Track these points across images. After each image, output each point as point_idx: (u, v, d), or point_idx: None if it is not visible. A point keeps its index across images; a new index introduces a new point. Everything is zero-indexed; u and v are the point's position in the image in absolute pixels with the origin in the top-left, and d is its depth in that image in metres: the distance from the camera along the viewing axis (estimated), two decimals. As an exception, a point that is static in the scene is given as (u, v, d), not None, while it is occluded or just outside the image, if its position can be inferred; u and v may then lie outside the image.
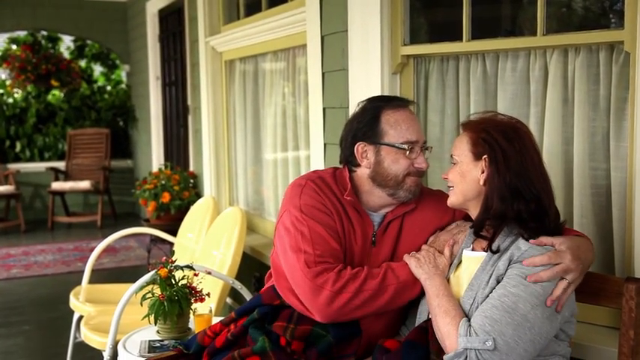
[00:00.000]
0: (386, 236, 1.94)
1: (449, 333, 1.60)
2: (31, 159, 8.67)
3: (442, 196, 1.95)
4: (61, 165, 8.32)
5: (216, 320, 2.49)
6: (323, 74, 2.98)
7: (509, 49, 2.24)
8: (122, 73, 9.60)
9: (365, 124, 1.93)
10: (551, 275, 1.57)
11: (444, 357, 1.58)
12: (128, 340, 2.55)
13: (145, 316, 2.44)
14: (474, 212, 1.76)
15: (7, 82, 8.75)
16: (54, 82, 8.57)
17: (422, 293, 1.81)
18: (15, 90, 8.78)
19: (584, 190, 2.08)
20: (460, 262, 1.80)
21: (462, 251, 1.81)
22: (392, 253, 1.93)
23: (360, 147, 1.93)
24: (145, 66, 7.08)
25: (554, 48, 2.12)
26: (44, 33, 8.93)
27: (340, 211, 1.91)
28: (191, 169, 5.31)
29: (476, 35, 2.32)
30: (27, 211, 8.10)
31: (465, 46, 2.34)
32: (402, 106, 1.95)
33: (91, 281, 3.85)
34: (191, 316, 2.54)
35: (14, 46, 8.89)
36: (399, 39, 2.54)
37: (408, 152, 1.89)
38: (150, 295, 2.45)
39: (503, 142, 1.68)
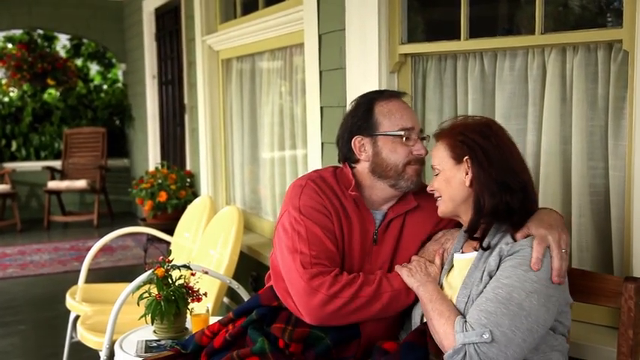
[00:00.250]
0: (387, 234, 1.93)
1: (445, 333, 1.60)
2: (27, 158, 8.65)
3: None
4: (57, 164, 8.30)
5: (213, 320, 2.49)
6: (320, 73, 2.98)
7: (507, 48, 2.23)
8: (118, 72, 9.59)
9: (359, 118, 1.94)
10: (558, 259, 1.60)
11: (444, 356, 1.58)
12: (125, 340, 2.54)
13: (141, 316, 2.43)
14: (464, 217, 1.77)
15: (3, 81, 8.73)
16: (50, 81, 8.54)
17: (415, 301, 1.82)
18: (11, 89, 8.76)
19: (582, 190, 2.08)
20: (452, 266, 1.81)
21: (453, 256, 1.82)
22: (393, 251, 1.92)
23: (357, 141, 1.93)
24: (141, 65, 7.07)
25: (553, 47, 2.11)
26: (40, 32, 8.90)
27: (340, 212, 1.91)
28: (188, 168, 5.30)
29: (474, 34, 2.31)
30: (23, 211, 8.08)
31: (462, 44, 2.33)
32: (395, 97, 1.96)
33: (88, 281, 3.84)
34: (188, 315, 2.53)
35: (10, 45, 8.86)
36: (396, 37, 2.53)
37: (404, 139, 1.89)
38: (147, 294, 2.45)
39: (480, 140, 1.71)
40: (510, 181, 1.67)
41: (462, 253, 1.80)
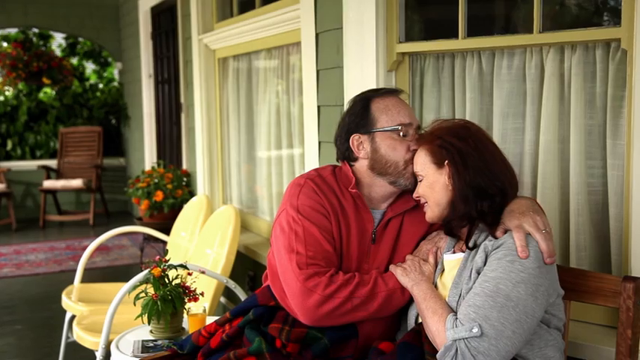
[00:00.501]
0: (386, 234, 1.93)
1: (438, 330, 1.60)
2: (23, 157, 8.62)
3: None
4: (52, 163, 8.27)
5: (210, 320, 2.48)
6: (317, 72, 2.97)
7: (505, 47, 2.22)
8: (114, 71, 9.56)
9: (357, 116, 1.93)
10: (545, 242, 1.60)
11: (437, 355, 1.58)
12: (121, 340, 2.53)
13: (138, 316, 2.42)
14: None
15: (-1, 80, 8.70)
16: (45, 80, 8.52)
17: (410, 301, 1.82)
18: (6, 88, 8.72)
19: (580, 189, 2.07)
20: (443, 269, 1.81)
21: (443, 257, 1.82)
22: (392, 251, 1.91)
23: (354, 139, 1.93)
24: (137, 64, 7.05)
25: (551, 45, 2.11)
26: (35, 30, 8.87)
27: (338, 212, 1.90)
28: (184, 167, 5.29)
29: (471, 33, 2.30)
30: (18, 210, 8.06)
31: (460, 43, 2.33)
32: (391, 94, 1.96)
33: (84, 280, 3.82)
34: (185, 315, 2.52)
35: (5, 44, 8.83)
36: (394, 36, 2.52)
37: (402, 134, 1.88)
38: (143, 294, 2.43)
39: (457, 143, 1.72)
40: (488, 184, 1.68)
41: (453, 253, 1.80)
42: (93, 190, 7.85)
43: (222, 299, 4.06)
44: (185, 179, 5.08)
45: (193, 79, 4.72)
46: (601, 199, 2.06)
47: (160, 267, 2.48)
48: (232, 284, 3.03)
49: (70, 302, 3.52)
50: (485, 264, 1.63)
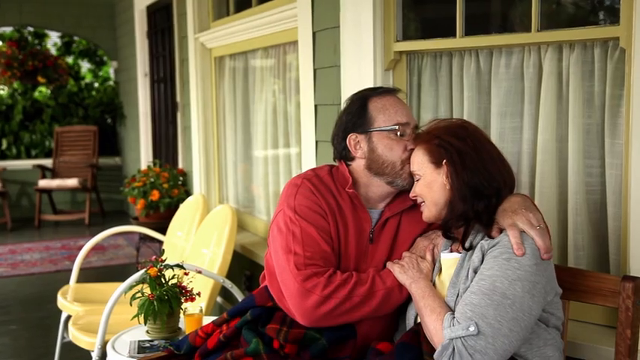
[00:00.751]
0: (384, 234, 1.92)
1: (436, 329, 1.60)
2: (18, 156, 8.59)
3: None
4: (48, 162, 8.24)
5: (206, 320, 2.47)
6: (314, 71, 2.96)
7: (503, 46, 2.22)
8: (110, 70, 9.54)
9: (354, 115, 1.92)
10: (540, 238, 1.59)
11: (434, 355, 1.57)
12: (117, 341, 2.52)
13: (134, 316, 2.41)
14: None
15: (-7, 79, 8.66)
16: (41, 79, 8.48)
17: (409, 299, 1.81)
18: (1, 87, 8.69)
19: (578, 188, 2.07)
20: (440, 268, 1.81)
21: (440, 256, 1.82)
22: (390, 251, 1.91)
23: (351, 138, 1.92)
24: (133, 62, 7.03)
25: (549, 44, 2.10)
26: (30, 29, 8.83)
27: (336, 212, 1.89)
28: (180, 166, 5.27)
29: (469, 31, 2.30)
30: (14, 209, 8.03)
31: (458, 42, 2.32)
32: (389, 92, 1.94)
33: (79, 280, 3.81)
34: (181, 315, 2.51)
35: (0, 43, 8.79)
36: (391, 35, 2.51)
37: (399, 134, 1.87)
38: (139, 294, 2.42)
39: (455, 142, 1.71)
40: (484, 186, 1.68)
41: (450, 252, 1.80)
42: (88, 190, 7.83)
43: (219, 299, 4.04)
44: (181, 178, 5.07)
45: (189, 78, 4.71)
46: (599, 199, 2.06)
47: (156, 267, 2.46)
48: (229, 284, 3.02)
49: (65, 302, 3.50)
50: (482, 263, 1.62)
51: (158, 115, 6.22)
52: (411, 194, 1.83)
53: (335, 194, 1.91)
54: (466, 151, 1.70)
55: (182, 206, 4.16)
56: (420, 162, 1.78)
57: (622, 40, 1.88)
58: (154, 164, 5.31)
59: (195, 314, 2.47)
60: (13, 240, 7.12)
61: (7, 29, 8.77)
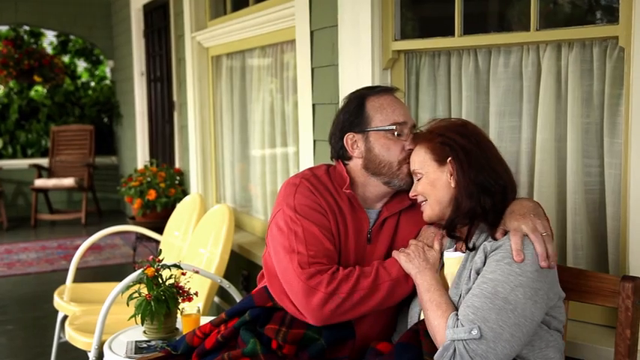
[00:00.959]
0: (382, 233, 1.91)
1: (439, 327, 1.59)
2: (14, 156, 8.56)
3: None
4: (44, 162, 8.21)
5: (204, 320, 2.46)
6: (312, 70, 2.95)
7: (502, 45, 2.21)
8: (106, 69, 9.51)
9: (351, 114, 1.91)
10: (540, 244, 1.57)
11: (435, 355, 1.56)
12: (114, 341, 2.51)
13: (131, 316, 2.40)
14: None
15: (-11, 78, 8.63)
16: (37, 78, 8.45)
17: (413, 293, 1.78)
18: (-3, 86, 8.67)
19: (577, 188, 2.06)
20: (443, 264, 1.79)
21: (444, 253, 1.80)
22: (388, 251, 1.89)
23: (349, 138, 1.90)
24: (129, 62, 7.01)
25: (547, 43, 2.10)
26: (26, 28, 8.80)
27: (335, 210, 1.88)
28: (177, 166, 5.26)
29: (468, 30, 2.29)
30: (9, 209, 8.00)
31: (456, 41, 2.31)
32: (386, 92, 1.93)
33: (76, 280, 3.79)
34: (179, 316, 2.50)
35: (-4, 42, 8.76)
36: (390, 34, 2.51)
37: (396, 134, 1.86)
38: (136, 294, 2.41)
39: (460, 140, 1.71)
40: (490, 183, 1.67)
41: (455, 250, 1.78)
42: (85, 189, 7.80)
43: (216, 299, 4.04)
44: (178, 178, 5.05)
45: (186, 77, 4.69)
46: (598, 198, 2.05)
47: (153, 267, 2.45)
48: (226, 284, 3.00)
49: (62, 302, 3.49)
50: (484, 264, 1.61)
51: (155, 115, 6.20)
52: (412, 193, 1.81)
53: (333, 193, 1.90)
54: (471, 149, 1.69)
55: (179, 206, 4.14)
56: (422, 160, 1.76)
57: (621, 40, 1.87)
58: (151, 163, 5.30)
59: (193, 314, 2.46)
60: (9, 239, 7.09)
61: (3, 28, 8.74)
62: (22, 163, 8.32)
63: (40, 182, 7.76)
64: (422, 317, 1.73)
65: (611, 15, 2.02)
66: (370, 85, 2.50)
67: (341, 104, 1.99)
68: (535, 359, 1.60)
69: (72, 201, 8.45)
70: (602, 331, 1.97)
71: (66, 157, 8.17)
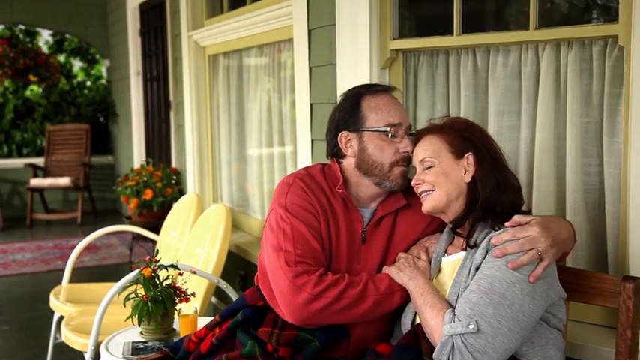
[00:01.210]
0: (378, 233, 1.89)
1: (436, 325, 1.58)
2: (9, 155, 8.53)
3: None
4: (39, 161, 8.19)
5: (201, 320, 2.45)
6: (310, 69, 2.93)
7: (501, 44, 2.20)
8: (102, 68, 9.48)
9: (346, 113, 1.90)
10: (517, 247, 1.56)
11: (434, 353, 1.55)
12: (111, 342, 2.49)
13: (128, 317, 2.38)
14: (450, 215, 1.75)
15: (-15, 78, 8.59)
16: (32, 77, 8.41)
17: (402, 306, 1.79)
18: (-8, 85, 8.64)
19: (576, 187, 2.05)
20: (439, 270, 1.79)
21: (440, 259, 1.80)
22: (385, 250, 1.88)
23: (343, 136, 1.89)
24: (125, 61, 6.98)
25: (547, 42, 2.09)
26: (22, 27, 8.77)
27: (327, 211, 1.87)
28: (173, 165, 5.24)
29: (466, 29, 2.28)
30: (5, 208, 7.97)
31: (455, 40, 2.30)
32: (383, 91, 1.91)
33: (72, 280, 3.77)
34: (176, 316, 2.48)
35: (-9, 41, 8.72)
36: (388, 33, 2.49)
37: (390, 136, 1.84)
38: (133, 295, 2.39)
39: (480, 137, 1.75)
40: (508, 180, 1.72)
41: (448, 255, 1.78)
42: (81, 189, 7.78)
43: (213, 299, 4.02)
44: (175, 177, 5.04)
45: (183, 76, 4.68)
46: (597, 198, 2.04)
47: (150, 267, 2.44)
48: (224, 284, 2.99)
49: (58, 302, 3.47)
50: (484, 259, 1.61)
51: (151, 114, 6.18)
52: (415, 182, 1.78)
53: (327, 193, 1.89)
54: (490, 148, 1.74)
55: (176, 205, 4.13)
56: (437, 149, 1.75)
57: (621, 39, 1.86)
58: (147, 163, 5.28)
59: (190, 315, 2.44)
60: (5, 239, 7.06)
61: (-1, 27, 8.71)
62: (17, 162, 8.29)
63: (35, 182, 7.73)
64: (416, 322, 1.73)
65: (611, 14, 2.01)
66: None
67: (338, 100, 1.98)
68: (535, 356, 1.59)
69: (68, 201, 8.43)
70: (602, 332, 1.96)
71: (62, 157, 8.14)
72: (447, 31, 2.31)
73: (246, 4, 3.81)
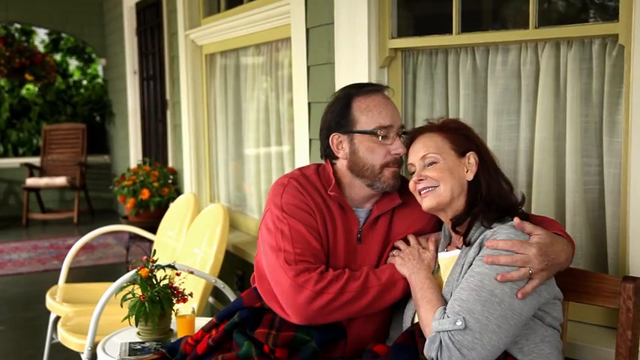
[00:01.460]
0: (374, 232, 1.88)
1: (427, 320, 1.59)
2: (5, 154, 8.51)
3: None
4: (35, 161, 8.16)
5: (199, 320, 2.44)
6: (308, 68, 2.92)
7: (500, 43, 2.19)
8: (98, 67, 9.46)
9: (337, 114, 1.88)
10: (509, 261, 1.54)
11: (424, 349, 1.55)
12: (108, 342, 2.48)
13: (125, 318, 2.37)
14: (450, 213, 1.75)
15: (-20, 77, 8.57)
16: (28, 76, 8.39)
17: (405, 298, 1.78)
18: (-12, 84, 8.61)
19: (576, 187, 2.05)
20: (438, 266, 1.79)
21: (438, 255, 1.80)
22: (381, 250, 1.87)
23: (334, 138, 1.88)
24: (122, 60, 6.96)
25: (546, 41, 2.08)
26: (17, 26, 8.74)
27: (323, 210, 1.86)
28: (170, 165, 5.22)
29: (466, 28, 2.27)
30: (1, 208, 7.96)
31: (454, 39, 2.29)
32: (375, 91, 1.89)
33: (68, 280, 3.75)
34: (173, 317, 2.47)
35: (-13, 40, 8.69)
36: (386, 32, 2.48)
37: (380, 138, 1.83)
38: (130, 295, 2.38)
39: (480, 139, 1.79)
40: (506, 181, 1.76)
41: (447, 251, 1.78)
42: (77, 188, 7.76)
43: (211, 299, 4.00)
44: (171, 177, 5.02)
45: (180, 75, 4.66)
46: (597, 198, 2.04)
47: (147, 267, 2.42)
48: (221, 284, 2.98)
49: (54, 303, 3.45)
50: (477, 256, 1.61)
51: (148, 113, 6.16)
52: (417, 177, 1.76)
53: (322, 193, 1.89)
54: (488, 150, 1.78)
55: (172, 205, 4.11)
56: (440, 146, 1.75)
57: (621, 37, 1.86)
58: (144, 162, 5.26)
59: (187, 315, 2.43)
60: (1, 239, 7.04)
61: (-6, 26, 8.69)
62: (13, 162, 8.27)
63: (31, 181, 7.71)
64: (416, 320, 1.72)
65: (611, 13, 2.00)
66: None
67: (329, 100, 1.96)
68: (530, 353, 1.58)
69: (64, 200, 8.40)
70: (602, 332, 1.95)
71: (58, 156, 8.12)
72: (446, 29, 2.30)
73: (243, 2, 3.79)
